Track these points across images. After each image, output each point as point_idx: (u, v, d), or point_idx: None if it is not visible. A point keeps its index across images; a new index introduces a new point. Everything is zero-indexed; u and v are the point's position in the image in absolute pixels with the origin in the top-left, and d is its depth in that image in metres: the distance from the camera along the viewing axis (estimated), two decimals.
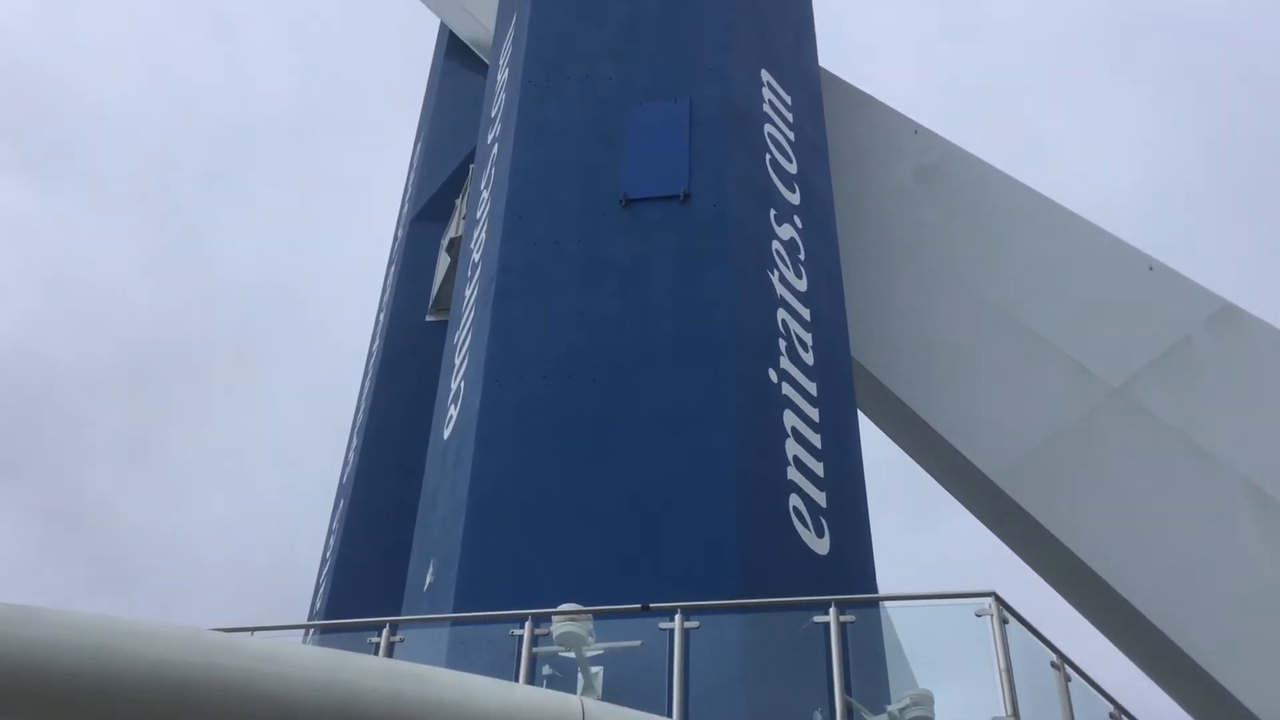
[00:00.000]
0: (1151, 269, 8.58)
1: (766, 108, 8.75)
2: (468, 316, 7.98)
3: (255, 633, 5.29)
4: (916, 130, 10.04)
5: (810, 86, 9.62)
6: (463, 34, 14.08)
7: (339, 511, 11.13)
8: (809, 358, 7.59)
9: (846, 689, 4.94)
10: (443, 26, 15.06)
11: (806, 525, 6.76)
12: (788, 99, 9.05)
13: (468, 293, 8.25)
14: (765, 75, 8.92)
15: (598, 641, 5.32)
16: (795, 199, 8.43)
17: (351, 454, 11.80)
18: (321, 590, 10.38)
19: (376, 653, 5.30)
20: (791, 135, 8.85)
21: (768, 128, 8.63)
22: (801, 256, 8.11)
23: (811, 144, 9.10)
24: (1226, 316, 8.20)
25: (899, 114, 10.26)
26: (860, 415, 8.34)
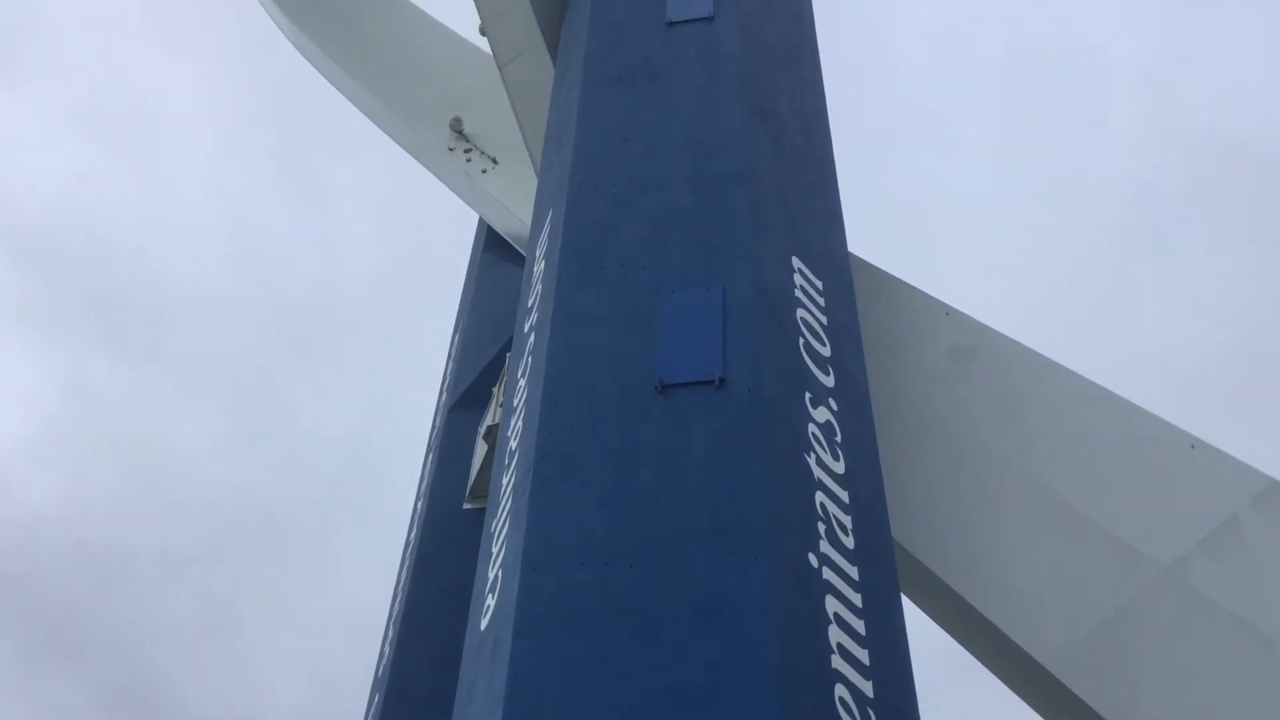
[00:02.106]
0: (1193, 447, 8.50)
1: (799, 293, 8.88)
2: (505, 504, 7.97)
3: None
4: (948, 312, 10.13)
5: (841, 271, 9.77)
6: (500, 228, 14.52)
7: (373, 708, 10.92)
8: (849, 541, 7.48)
9: None
10: (481, 221, 15.55)
11: (854, 717, 6.55)
12: (819, 284, 9.18)
13: (504, 480, 8.26)
14: (796, 262, 9.08)
15: None
16: (830, 382, 8.46)
17: (387, 646, 11.64)
18: None
19: None
20: (824, 319, 8.95)
21: (800, 312, 8.73)
22: (838, 439, 8.09)
23: (844, 327, 9.19)
24: (1272, 494, 8.07)
25: (930, 297, 10.38)
26: (905, 600, 8.18)
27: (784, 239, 9.18)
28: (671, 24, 10.86)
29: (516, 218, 13.44)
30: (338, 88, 17.02)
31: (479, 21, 13.92)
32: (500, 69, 13.30)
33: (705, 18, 10.83)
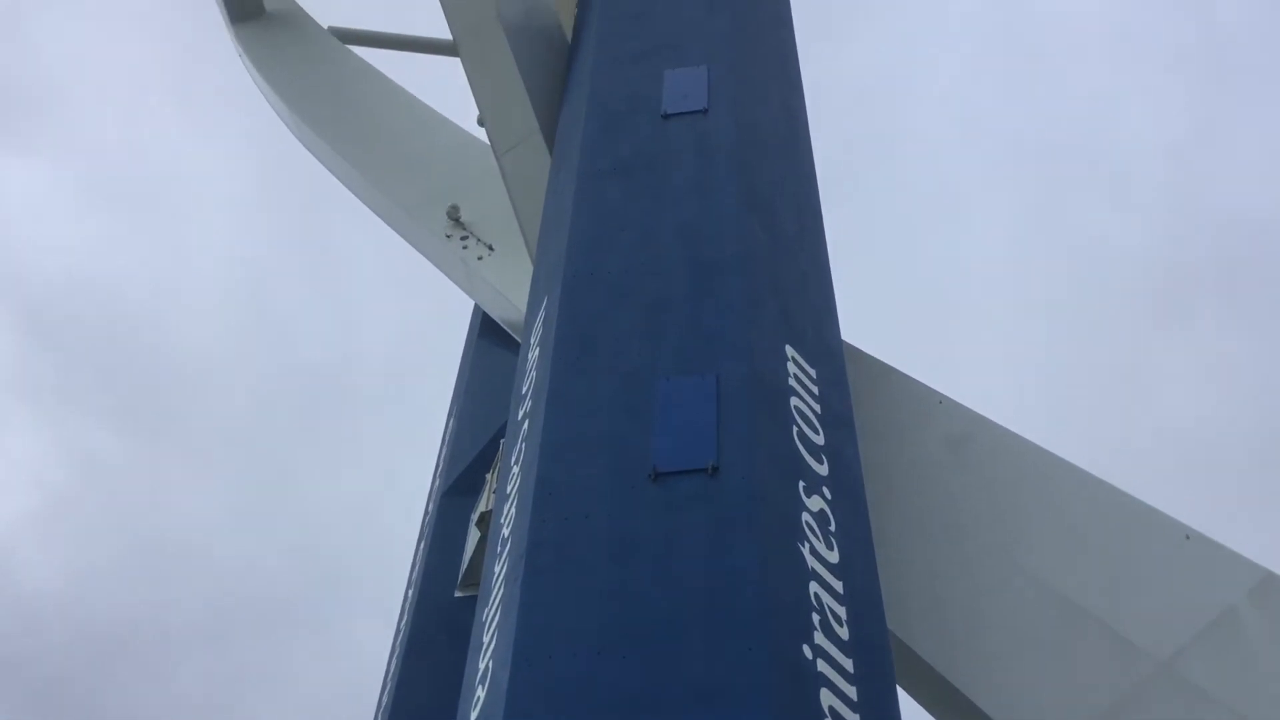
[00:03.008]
0: (1188, 538, 8.48)
1: (792, 381, 8.90)
2: (497, 593, 7.90)
3: None
4: (941, 401, 10.16)
5: (835, 359, 9.81)
6: (495, 314, 14.59)
7: None
8: (844, 632, 7.42)
9: None
10: (476, 307, 15.63)
11: None
12: (813, 372, 9.21)
13: (497, 569, 8.20)
14: (790, 350, 9.12)
15: None
16: (824, 470, 8.45)
17: None
18: None
19: None
20: (818, 407, 8.96)
21: (794, 400, 8.75)
22: (832, 528, 8.06)
23: (838, 415, 9.20)
24: (1269, 587, 8.03)
25: (924, 385, 10.41)
26: (900, 692, 8.08)
27: (778, 327, 9.24)
28: (667, 116, 11.04)
29: (512, 304, 13.52)
30: (335, 174, 17.21)
31: (477, 112, 14.14)
32: (498, 158, 13.48)
33: (700, 110, 11.01)
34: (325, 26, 19.21)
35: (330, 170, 17.31)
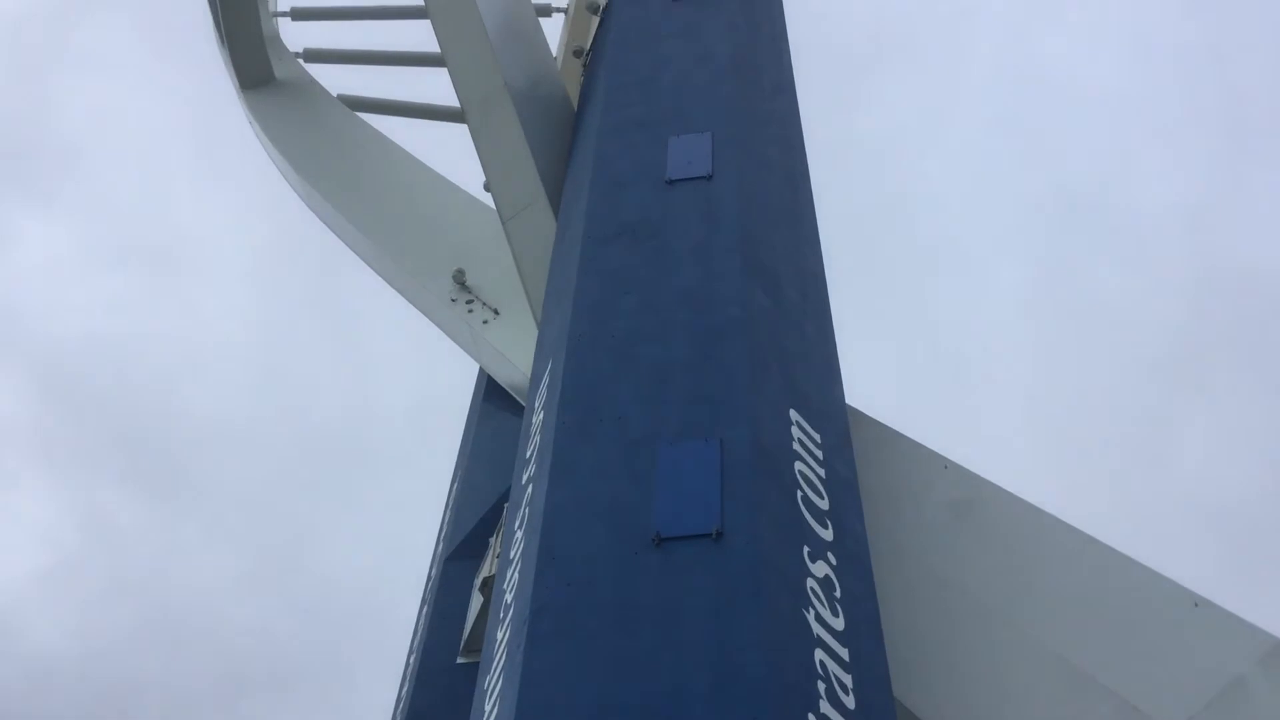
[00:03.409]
0: (1197, 605, 8.40)
1: (796, 446, 8.88)
2: (499, 660, 7.83)
3: None
4: (946, 465, 10.12)
5: (839, 424, 9.80)
6: (500, 379, 14.60)
7: None
8: (849, 701, 7.33)
9: None
10: (481, 371, 15.65)
11: None
12: (817, 437, 9.20)
13: (499, 635, 8.14)
14: (794, 415, 9.11)
15: None
16: (828, 535, 8.41)
17: None
18: None
19: None
20: (822, 472, 8.93)
21: (798, 465, 8.73)
22: (837, 594, 8.00)
23: (843, 481, 9.17)
24: (1278, 655, 7.93)
25: (929, 450, 10.37)
26: None
27: (781, 392, 9.24)
28: (671, 182, 11.13)
29: (517, 368, 13.54)
30: (342, 239, 17.33)
31: (484, 178, 14.27)
32: (504, 223, 13.57)
33: (704, 176, 11.10)
34: (334, 94, 19.45)
35: (337, 234, 17.43)
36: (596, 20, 15.54)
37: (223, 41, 19.57)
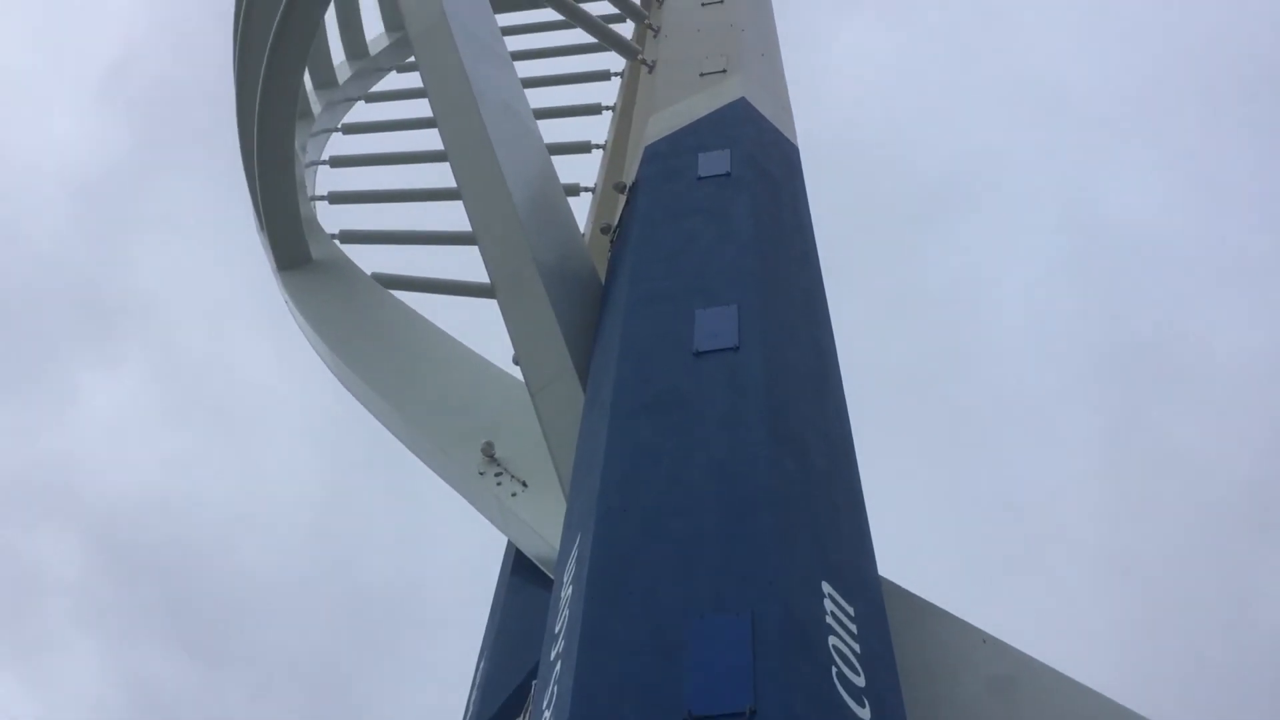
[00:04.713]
0: None
1: (830, 619, 8.71)
2: None
3: None
4: (985, 639, 9.88)
5: (873, 596, 9.62)
6: (529, 551, 14.47)
7: None
8: None
9: None
10: (509, 544, 15.53)
11: None
12: (850, 610, 9.02)
13: None
14: (827, 587, 8.97)
15: None
16: (865, 714, 8.16)
17: None
18: None
19: None
20: (857, 647, 8.73)
21: (832, 640, 8.54)
22: None
23: (878, 655, 8.95)
24: None
25: (966, 623, 10.14)
26: None
27: (813, 564, 9.11)
28: (699, 354, 11.23)
29: (545, 541, 13.43)
30: (372, 412, 17.47)
31: (513, 352, 14.44)
32: (532, 396, 13.67)
33: (731, 348, 11.20)
34: (368, 272, 19.92)
35: (368, 408, 17.59)
36: (623, 199, 15.96)
37: (262, 226, 20.19)
